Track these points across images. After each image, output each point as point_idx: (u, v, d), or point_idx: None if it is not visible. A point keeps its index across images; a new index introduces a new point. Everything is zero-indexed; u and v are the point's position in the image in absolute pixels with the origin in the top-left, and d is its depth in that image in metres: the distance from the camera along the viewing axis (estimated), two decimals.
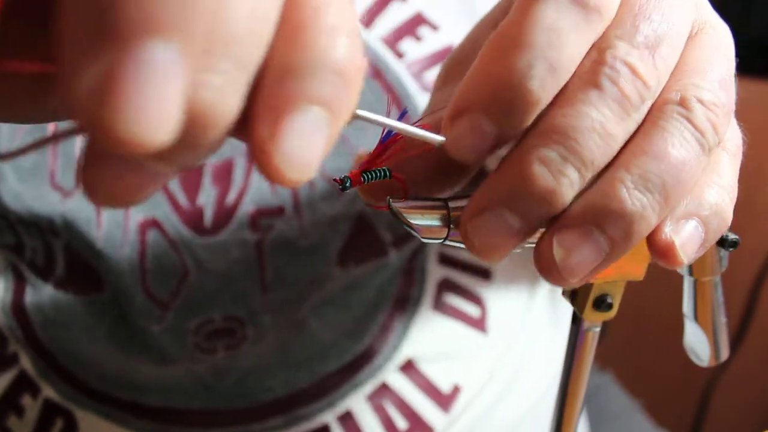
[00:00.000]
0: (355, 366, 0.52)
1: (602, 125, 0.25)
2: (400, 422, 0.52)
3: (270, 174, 0.20)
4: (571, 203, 0.26)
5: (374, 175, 0.27)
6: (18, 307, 0.53)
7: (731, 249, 0.34)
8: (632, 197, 0.25)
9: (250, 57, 0.19)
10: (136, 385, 0.52)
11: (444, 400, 0.53)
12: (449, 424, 0.53)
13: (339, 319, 0.52)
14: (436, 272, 0.53)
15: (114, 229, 0.49)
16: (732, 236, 0.33)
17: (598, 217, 0.25)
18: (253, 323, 0.51)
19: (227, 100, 0.19)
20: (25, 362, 0.53)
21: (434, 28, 0.53)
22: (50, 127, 0.49)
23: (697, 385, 1.21)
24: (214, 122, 0.19)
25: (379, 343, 0.52)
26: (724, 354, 0.38)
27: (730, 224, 0.29)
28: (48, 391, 0.53)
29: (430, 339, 0.53)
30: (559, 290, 0.57)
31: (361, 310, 0.52)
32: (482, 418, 0.54)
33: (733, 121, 0.31)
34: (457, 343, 0.54)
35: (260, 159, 0.20)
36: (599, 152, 0.25)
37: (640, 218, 0.25)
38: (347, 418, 0.51)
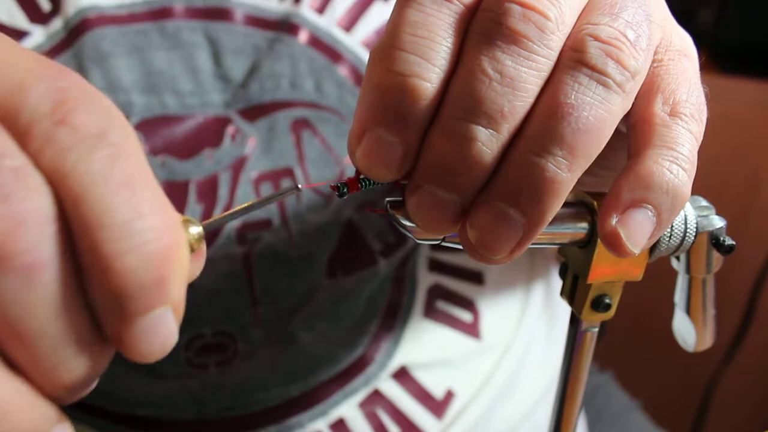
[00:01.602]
0: (348, 374, 0.52)
1: (499, 72, 0.23)
2: (393, 429, 0.52)
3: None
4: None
5: (372, 181, 0.27)
6: None
7: (728, 254, 0.33)
8: (536, 162, 0.24)
9: None
10: (128, 399, 0.51)
11: (437, 407, 0.53)
12: (443, 430, 0.53)
13: (330, 332, 0.52)
14: (426, 279, 0.53)
15: None
16: (729, 241, 0.33)
17: (506, 193, 0.24)
18: (243, 338, 0.51)
19: None
20: None
21: None
22: None
23: (697, 385, 1.20)
24: None
25: (371, 351, 0.52)
26: (709, 342, 0.39)
27: (686, 199, 0.27)
28: None
29: (423, 346, 0.53)
30: (557, 291, 0.57)
31: (352, 321, 0.52)
32: (478, 424, 0.54)
33: (693, 84, 0.28)
34: (450, 350, 0.53)
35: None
36: (505, 100, 0.24)
37: (548, 183, 0.24)
38: (340, 426, 0.51)
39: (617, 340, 1.01)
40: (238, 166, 0.49)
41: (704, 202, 0.33)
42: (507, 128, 0.24)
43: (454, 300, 0.54)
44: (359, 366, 0.52)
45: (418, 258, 0.53)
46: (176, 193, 0.49)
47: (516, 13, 0.24)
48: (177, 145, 0.49)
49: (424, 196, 0.25)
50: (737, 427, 1.21)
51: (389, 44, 0.24)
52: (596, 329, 0.34)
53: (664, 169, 0.26)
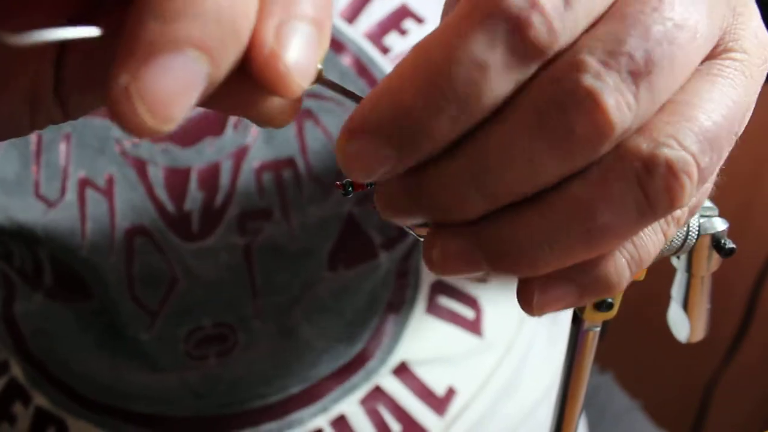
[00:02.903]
0: (349, 370, 0.51)
1: (531, 162, 0.21)
2: (394, 426, 0.52)
3: (276, 80, 0.21)
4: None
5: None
6: (8, 316, 0.52)
7: (728, 256, 0.33)
8: (531, 245, 0.22)
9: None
10: (127, 393, 0.51)
11: (438, 404, 0.53)
12: (445, 427, 0.53)
13: (331, 325, 0.51)
14: (429, 275, 0.53)
15: (100, 237, 0.48)
16: (730, 244, 0.33)
17: (486, 246, 0.22)
18: (244, 329, 0.51)
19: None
20: (16, 371, 0.53)
21: (419, 20, 0.52)
22: (33, 138, 0.48)
23: (697, 385, 1.20)
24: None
25: (372, 347, 0.52)
26: (702, 335, 0.39)
27: (616, 292, 0.25)
28: (39, 400, 0.52)
29: (424, 342, 0.53)
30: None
31: (353, 315, 0.52)
32: (480, 422, 0.54)
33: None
34: (451, 346, 0.53)
35: (266, 69, 0.21)
36: (518, 187, 0.21)
37: (529, 265, 0.22)
38: (341, 423, 0.51)
39: (617, 340, 1.01)
40: (240, 155, 0.49)
41: (707, 203, 0.33)
42: (507, 202, 0.22)
43: (456, 296, 0.54)
44: (359, 361, 0.52)
45: (421, 253, 0.53)
46: (178, 180, 0.48)
47: (585, 111, 0.20)
48: (179, 132, 0.48)
49: (389, 193, 0.23)
50: (737, 427, 1.21)
51: (439, 68, 0.20)
52: (598, 329, 0.34)
53: (614, 267, 0.24)
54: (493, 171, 0.21)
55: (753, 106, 0.25)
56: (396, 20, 0.52)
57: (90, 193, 0.48)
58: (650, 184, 0.21)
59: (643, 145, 0.21)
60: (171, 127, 0.19)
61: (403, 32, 0.52)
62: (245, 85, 0.22)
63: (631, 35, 0.20)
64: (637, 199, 0.21)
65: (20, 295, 0.52)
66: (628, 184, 0.21)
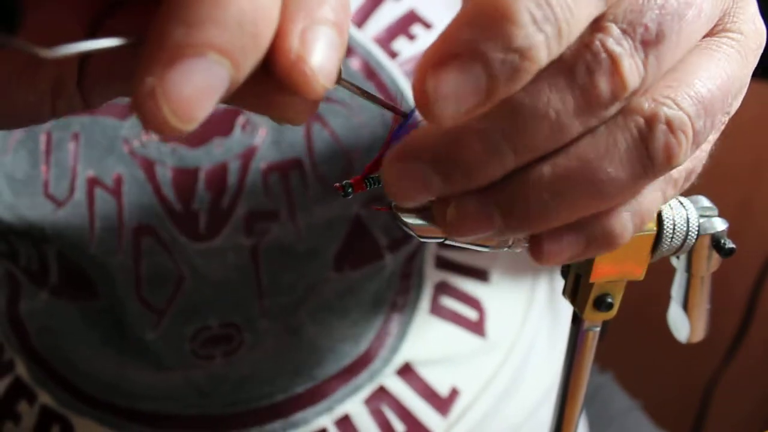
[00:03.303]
0: (353, 370, 0.52)
1: (558, 115, 0.23)
2: (398, 426, 0.52)
3: (301, 83, 0.22)
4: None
5: (377, 181, 0.27)
6: (13, 315, 0.52)
7: (728, 256, 0.34)
8: (542, 197, 0.23)
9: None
10: (132, 392, 0.52)
11: (442, 404, 0.53)
12: (448, 427, 0.53)
13: (336, 325, 0.52)
14: (433, 275, 0.53)
15: (108, 236, 0.49)
16: (729, 244, 0.33)
17: (502, 201, 0.24)
18: (250, 329, 0.51)
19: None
20: (21, 369, 0.53)
21: (427, 26, 0.53)
22: (42, 138, 0.48)
23: (697, 385, 1.20)
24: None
25: (376, 347, 0.52)
26: (702, 335, 0.39)
27: (619, 245, 0.26)
28: (44, 398, 0.52)
29: (428, 343, 0.53)
30: (559, 291, 0.57)
31: (358, 315, 0.52)
32: (482, 422, 0.54)
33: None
34: (455, 347, 0.54)
35: (293, 72, 0.22)
36: (544, 141, 0.23)
37: (541, 217, 0.24)
38: (345, 423, 0.51)
39: (617, 340, 1.01)
40: (248, 156, 0.49)
41: (707, 203, 0.33)
42: (531, 157, 0.23)
43: (459, 297, 0.54)
44: (364, 361, 0.52)
45: (425, 255, 0.53)
46: (185, 180, 0.49)
47: (606, 71, 0.22)
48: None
49: (415, 172, 0.23)
50: (737, 427, 1.21)
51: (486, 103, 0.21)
52: (598, 329, 0.34)
53: (619, 219, 0.26)
54: (525, 125, 0.22)
55: (746, 86, 0.27)
56: (404, 25, 0.52)
57: (98, 192, 0.48)
58: (651, 139, 0.23)
59: (646, 104, 0.24)
60: (193, 126, 0.20)
61: (411, 37, 0.52)
62: (266, 84, 0.23)
63: (650, 8, 0.23)
64: (639, 152, 0.23)
65: (26, 293, 0.52)
66: (632, 138, 0.23)
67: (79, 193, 0.48)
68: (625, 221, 0.26)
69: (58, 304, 0.51)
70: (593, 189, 0.23)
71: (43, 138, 0.48)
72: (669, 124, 0.24)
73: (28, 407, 0.53)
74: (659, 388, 1.07)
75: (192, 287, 0.50)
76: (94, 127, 0.49)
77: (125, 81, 0.26)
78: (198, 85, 0.20)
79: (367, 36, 0.51)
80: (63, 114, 0.27)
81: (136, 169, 0.49)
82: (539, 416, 0.58)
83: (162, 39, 0.20)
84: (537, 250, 0.26)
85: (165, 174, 0.49)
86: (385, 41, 0.52)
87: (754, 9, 0.28)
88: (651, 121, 0.23)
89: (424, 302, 0.53)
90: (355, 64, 0.50)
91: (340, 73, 0.24)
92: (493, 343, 0.55)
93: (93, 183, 0.49)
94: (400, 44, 0.52)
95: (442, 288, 0.54)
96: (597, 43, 0.22)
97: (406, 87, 0.51)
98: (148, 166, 0.49)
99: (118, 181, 0.49)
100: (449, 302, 0.54)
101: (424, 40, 0.52)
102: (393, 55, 0.51)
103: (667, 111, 0.24)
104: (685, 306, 0.38)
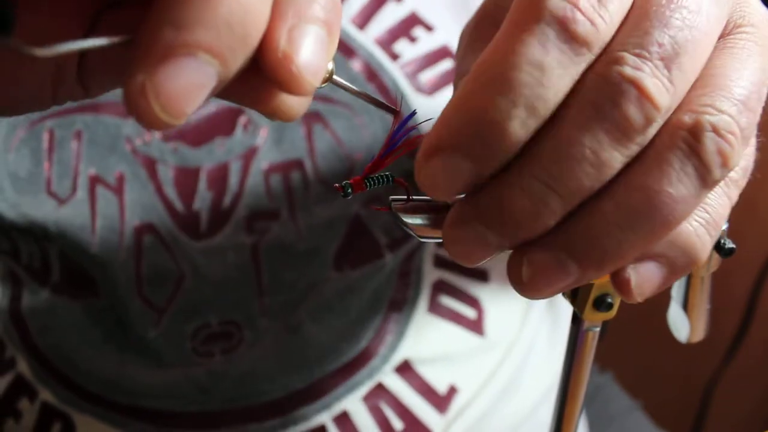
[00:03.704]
0: (352, 367, 0.52)
1: (596, 153, 0.23)
2: (397, 423, 0.52)
3: (288, 80, 0.22)
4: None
5: (377, 182, 0.27)
6: (15, 312, 0.53)
7: (728, 256, 0.34)
8: (612, 234, 0.24)
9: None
10: (133, 389, 0.52)
11: (440, 402, 0.53)
12: (447, 425, 0.53)
13: (335, 323, 0.52)
14: (431, 274, 0.53)
15: (109, 234, 0.49)
16: (729, 244, 0.33)
17: (572, 247, 0.24)
18: (249, 327, 0.51)
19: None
20: (23, 367, 0.53)
21: (429, 28, 0.53)
22: (45, 136, 0.49)
23: (697, 385, 1.20)
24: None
25: (375, 345, 0.52)
26: (702, 335, 0.39)
27: (704, 258, 0.27)
28: (45, 395, 0.52)
29: (426, 341, 0.53)
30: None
31: (357, 313, 0.52)
32: (481, 420, 0.54)
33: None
34: (453, 345, 0.54)
35: (279, 70, 0.22)
36: (589, 181, 0.23)
37: (616, 254, 0.24)
38: (344, 419, 0.51)
39: (617, 340, 1.01)
40: (249, 156, 0.49)
41: None
42: (581, 199, 0.24)
43: (458, 296, 0.54)
44: (363, 359, 0.52)
45: (424, 253, 0.53)
46: (187, 180, 0.49)
47: (632, 98, 0.23)
48: (189, 132, 0.49)
49: (470, 233, 0.24)
50: (737, 427, 1.21)
51: (503, 76, 0.23)
52: (598, 329, 0.34)
53: (694, 233, 0.26)
54: (565, 169, 0.23)
55: None
56: (406, 27, 0.52)
57: (100, 190, 0.49)
58: (702, 149, 0.23)
59: (686, 117, 0.24)
60: (182, 120, 0.21)
61: (412, 39, 0.52)
62: (258, 80, 0.23)
63: (655, 27, 0.23)
64: (695, 165, 0.23)
65: (27, 291, 0.52)
66: (683, 155, 0.23)
67: (81, 192, 0.49)
68: (702, 234, 0.26)
69: (60, 302, 0.51)
70: (661, 214, 0.23)
71: (45, 136, 0.49)
72: (715, 129, 0.24)
73: (29, 404, 0.53)
74: (659, 388, 1.07)
75: (192, 286, 0.50)
76: (96, 126, 0.49)
77: (122, 73, 0.27)
78: (187, 83, 0.20)
79: (368, 38, 0.52)
80: (64, 101, 0.28)
81: (138, 168, 0.49)
82: (539, 416, 0.58)
83: (153, 39, 0.20)
84: (626, 288, 0.26)
85: (167, 173, 0.49)
86: (387, 43, 0.52)
87: (755, 0, 0.28)
88: (696, 131, 0.23)
89: (423, 301, 0.53)
90: (356, 65, 0.51)
91: (332, 72, 0.25)
92: (491, 342, 0.55)
93: (95, 181, 0.49)
94: (402, 46, 0.52)
95: (441, 287, 0.54)
96: (614, 74, 0.23)
97: (407, 89, 0.51)
98: (150, 165, 0.49)
99: (120, 180, 0.49)
100: (448, 301, 0.54)
101: (426, 42, 0.53)
102: (394, 57, 0.52)
103: (710, 118, 0.24)
104: (685, 306, 0.38)
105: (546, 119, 0.23)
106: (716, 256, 0.35)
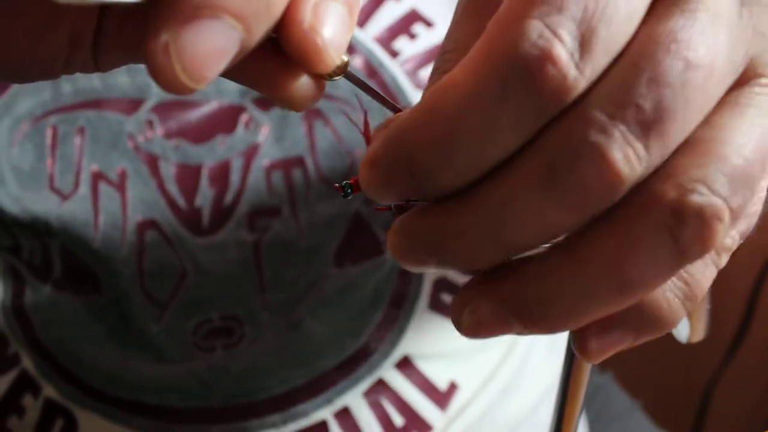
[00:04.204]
0: (352, 363, 0.52)
1: (542, 216, 0.20)
2: (397, 419, 0.52)
3: (312, 53, 0.23)
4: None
5: None
6: (18, 308, 0.53)
7: None
8: (563, 301, 0.21)
9: None
10: (135, 385, 0.52)
11: (441, 398, 0.53)
12: (448, 422, 0.53)
13: (336, 319, 0.52)
14: (432, 272, 0.53)
15: (112, 230, 0.49)
16: None
17: (518, 308, 0.21)
18: (251, 322, 0.51)
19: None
20: (27, 362, 0.53)
21: (429, 24, 0.53)
22: (48, 132, 0.49)
23: (697, 385, 1.20)
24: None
25: (376, 340, 0.52)
26: (702, 335, 0.39)
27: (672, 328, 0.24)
28: (49, 391, 0.53)
29: (427, 337, 0.53)
30: None
31: (358, 310, 0.52)
32: (482, 418, 0.54)
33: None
34: (453, 342, 0.54)
35: (304, 43, 0.22)
36: (531, 239, 0.21)
37: (564, 322, 0.22)
38: (344, 415, 0.52)
39: None
40: (251, 153, 0.50)
41: None
42: (524, 252, 0.22)
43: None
44: (363, 354, 0.52)
45: None
46: (189, 177, 0.49)
47: (592, 167, 0.19)
48: (191, 129, 0.50)
49: (411, 250, 0.22)
50: (737, 427, 1.21)
51: (448, 119, 0.20)
52: None
53: (667, 307, 0.23)
54: (503, 223, 0.20)
55: None
56: (405, 24, 0.52)
57: (103, 186, 0.49)
58: (681, 233, 0.20)
59: (671, 193, 0.20)
60: (202, 86, 0.21)
61: (412, 36, 0.52)
62: (276, 64, 0.24)
63: (639, 83, 0.20)
64: (669, 247, 0.20)
65: (29, 287, 0.53)
66: (658, 234, 0.20)
67: (84, 187, 0.49)
68: (676, 308, 0.23)
69: (62, 298, 0.52)
70: (620, 287, 0.21)
71: (49, 132, 0.49)
72: (701, 214, 0.20)
73: (32, 400, 0.53)
74: (659, 388, 1.07)
75: (194, 281, 0.50)
76: (99, 122, 0.49)
77: (135, 49, 0.27)
78: (211, 46, 0.20)
79: (368, 35, 0.52)
80: (72, 72, 0.28)
81: (140, 165, 0.49)
82: (539, 415, 0.58)
83: None
84: (584, 350, 0.24)
85: (168, 170, 0.49)
86: (387, 40, 0.52)
87: None
88: (679, 213, 0.20)
89: (424, 297, 0.53)
90: (356, 62, 0.51)
91: (347, 64, 0.25)
92: (492, 339, 0.55)
93: (97, 177, 0.49)
94: (401, 43, 0.52)
95: (442, 284, 0.54)
96: (577, 136, 0.20)
97: (407, 86, 0.51)
98: (152, 161, 0.49)
99: (123, 176, 0.49)
100: (448, 298, 0.54)
101: (425, 38, 0.53)
102: (394, 54, 0.52)
103: (698, 199, 0.20)
104: None
105: (486, 171, 0.21)
106: None
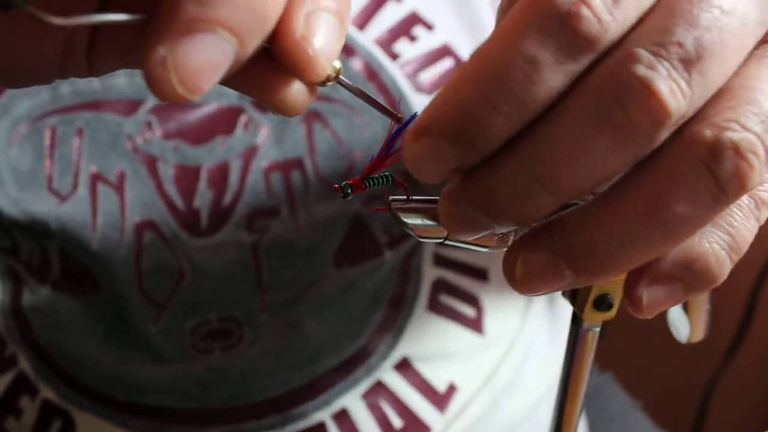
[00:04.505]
0: (351, 365, 0.52)
1: (591, 155, 0.21)
2: (396, 421, 0.52)
3: (304, 63, 0.23)
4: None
5: (377, 182, 0.27)
6: (16, 309, 0.53)
7: None
8: (610, 245, 0.22)
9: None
10: (133, 386, 0.52)
11: (439, 400, 0.53)
12: (447, 424, 0.53)
13: (335, 320, 0.52)
14: (431, 273, 0.53)
15: (110, 231, 0.49)
16: None
17: (568, 253, 0.23)
18: (249, 324, 0.51)
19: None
20: (24, 364, 0.53)
21: (429, 27, 0.53)
22: (47, 133, 0.49)
23: (697, 385, 1.20)
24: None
25: (374, 342, 0.52)
26: (702, 335, 0.39)
27: (721, 281, 0.25)
28: (46, 393, 0.53)
29: (426, 338, 0.53)
30: (559, 291, 0.57)
31: (356, 311, 0.52)
32: (481, 419, 0.54)
33: None
34: (452, 343, 0.54)
35: (296, 53, 0.23)
36: (583, 182, 0.22)
37: (613, 266, 0.22)
38: (343, 417, 0.51)
39: (617, 340, 1.01)
40: (250, 155, 0.50)
41: None
42: (576, 197, 0.22)
43: (458, 295, 0.54)
44: (361, 356, 0.52)
45: (424, 252, 0.53)
46: (187, 178, 0.49)
47: (640, 100, 0.21)
48: (190, 130, 0.50)
49: (461, 210, 0.23)
50: (737, 427, 1.21)
51: (494, 70, 0.21)
52: (598, 329, 0.34)
53: (714, 257, 0.24)
54: (554, 164, 0.21)
55: None
56: (406, 27, 0.53)
57: (101, 188, 0.49)
58: (719, 168, 0.21)
59: (707, 131, 0.21)
60: (197, 96, 0.21)
61: (412, 39, 0.52)
62: (268, 70, 0.24)
63: (679, 25, 0.21)
64: (708, 184, 0.21)
65: (27, 289, 0.52)
66: (698, 171, 0.21)
67: (83, 188, 0.49)
68: (723, 259, 0.24)
69: (60, 299, 0.52)
70: (662, 228, 0.22)
71: (47, 133, 0.49)
72: (736, 148, 0.21)
73: (29, 402, 0.53)
74: (659, 388, 1.07)
75: (193, 282, 0.50)
76: (98, 124, 0.49)
77: (129, 55, 0.28)
78: (206, 59, 0.21)
79: (368, 38, 0.52)
80: (69, 76, 0.28)
81: (139, 166, 0.49)
82: (539, 416, 0.58)
83: (175, 12, 0.21)
84: (637, 304, 0.25)
85: (167, 171, 0.49)
86: (387, 43, 0.52)
87: None
88: (715, 149, 0.21)
89: (423, 299, 0.53)
90: (356, 65, 0.51)
91: (339, 70, 0.25)
92: (491, 340, 0.55)
93: (96, 178, 0.49)
94: (401, 46, 0.52)
95: (441, 285, 0.54)
96: (624, 72, 0.21)
97: (406, 88, 0.51)
98: (151, 162, 0.49)
99: (121, 177, 0.49)
100: (447, 299, 0.54)
101: (426, 41, 0.53)
102: (394, 56, 0.52)
103: (732, 135, 0.21)
104: (685, 306, 0.38)
105: (539, 114, 0.22)
106: None
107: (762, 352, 1.16)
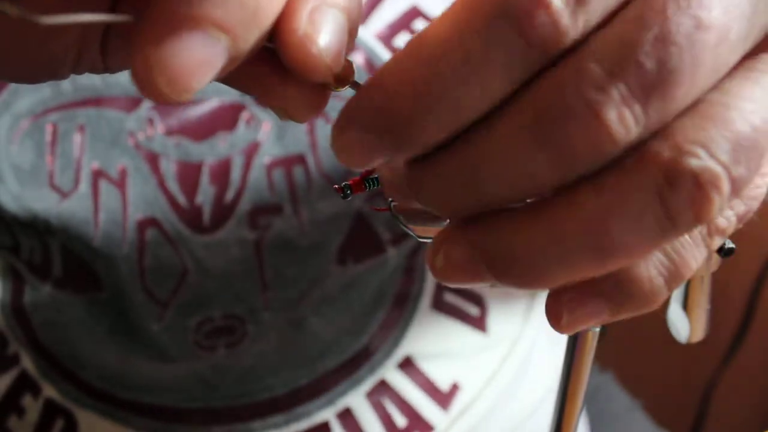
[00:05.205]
0: (355, 363, 0.52)
1: (523, 168, 0.19)
2: (399, 419, 0.52)
3: (308, 62, 0.21)
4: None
5: (377, 182, 0.27)
6: (18, 308, 0.53)
7: (727, 257, 0.33)
8: (535, 257, 0.20)
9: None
10: (136, 384, 0.52)
11: (443, 399, 0.53)
12: (451, 422, 0.53)
13: (338, 317, 0.52)
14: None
15: (112, 228, 0.49)
16: (729, 244, 0.33)
17: (490, 256, 0.21)
18: (253, 321, 0.51)
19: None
20: (26, 362, 0.53)
21: (430, 21, 0.53)
22: (48, 129, 0.49)
23: (697, 385, 1.20)
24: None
25: (378, 340, 0.52)
26: (701, 335, 0.39)
27: (655, 308, 0.23)
28: (49, 391, 0.53)
29: (429, 337, 0.53)
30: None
31: (360, 308, 0.52)
32: (485, 418, 0.54)
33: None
34: (456, 342, 0.54)
35: (299, 51, 0.21)
36: (512, 191, 0.20)
37: (536, 279, 0.20)
38: (347, 416, 0.52)
39: (617, 340, 1.01)
40: (252, 151, 0.49)
41: None
42: (503, 204, 0.21)
43: (462, 293, 0.54)
44: (365, 354, 0.52)
45: (428, 250, 0.53)
46: (189, 174, 0.49)
47: (584, 125, 0.18)
48: (192, 127, 0.49)
49: (402, 195, 0.23)
50: (737, 427, 1.21)
51: (430, 67, 0.19)
52: (598, 329, 0.34)
53: (649, 282, 0.22)
54: (485, 174, 0.20)
55: None
56: (406, 21, 0.52)
57: (103, 184, 0.49)
58: (672, 198, 0.19)
59: (666, 152, 0.19)
60: (187, 97, 0.20)
61: (413, 33, 0.52)
62: (274, 72, 0.23)
63: (645, 39, 0.18)
64: (657, 213, 0.19)
65: (29, 286, 0.52)
66: (647, 197, 0.19)
67: (84, 185, 0.49)
68: (658, 288, 0.22)
69: (62, 297, 0.52)
70: (596, 252, 0.19)
71: (49, 129, 0.49)
72: (696, 178, 0.18)
73: (32, 401, 0.53)
74: (659, 388, 1.07)
75: (196, 279, 0.50)
76: (99, 120, 0.49)
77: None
78: (194, 58, 0.20)
79: (369, 32, 0.52)
80: (81, 72, 0.28)
81: (141, 162, 0.49)
82: (540, 416, 0.58)
83: (161, 11, 0.20)
84: (556, 317, 0.23)
85: (169, 167, 0.49)
86: (387, 38, 0.52)
87: None
88: (672, 175, 0.18)
89: (427, 297, 0.53)
90: (357, 60, 0.51)
91: (352, 73, 0.24)
92: (494, 339, 0.55)
93: (98, 175, 0.49)
94: (402, 40, 0.52)
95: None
96: (572, 90, 0.18)
97: None
98: (153, 159, 0.49)
99: (123, 174, 0.49)
100: (451, 298, 0.54)
101: None
102: (395, 51, 0.52)
103: (694, 162, 0.18)
104: (685, 306, 0.38)
105: (470, 122, 0.20)
106: (716, 256, 0.35)
107: (762, 352, 1.16)
